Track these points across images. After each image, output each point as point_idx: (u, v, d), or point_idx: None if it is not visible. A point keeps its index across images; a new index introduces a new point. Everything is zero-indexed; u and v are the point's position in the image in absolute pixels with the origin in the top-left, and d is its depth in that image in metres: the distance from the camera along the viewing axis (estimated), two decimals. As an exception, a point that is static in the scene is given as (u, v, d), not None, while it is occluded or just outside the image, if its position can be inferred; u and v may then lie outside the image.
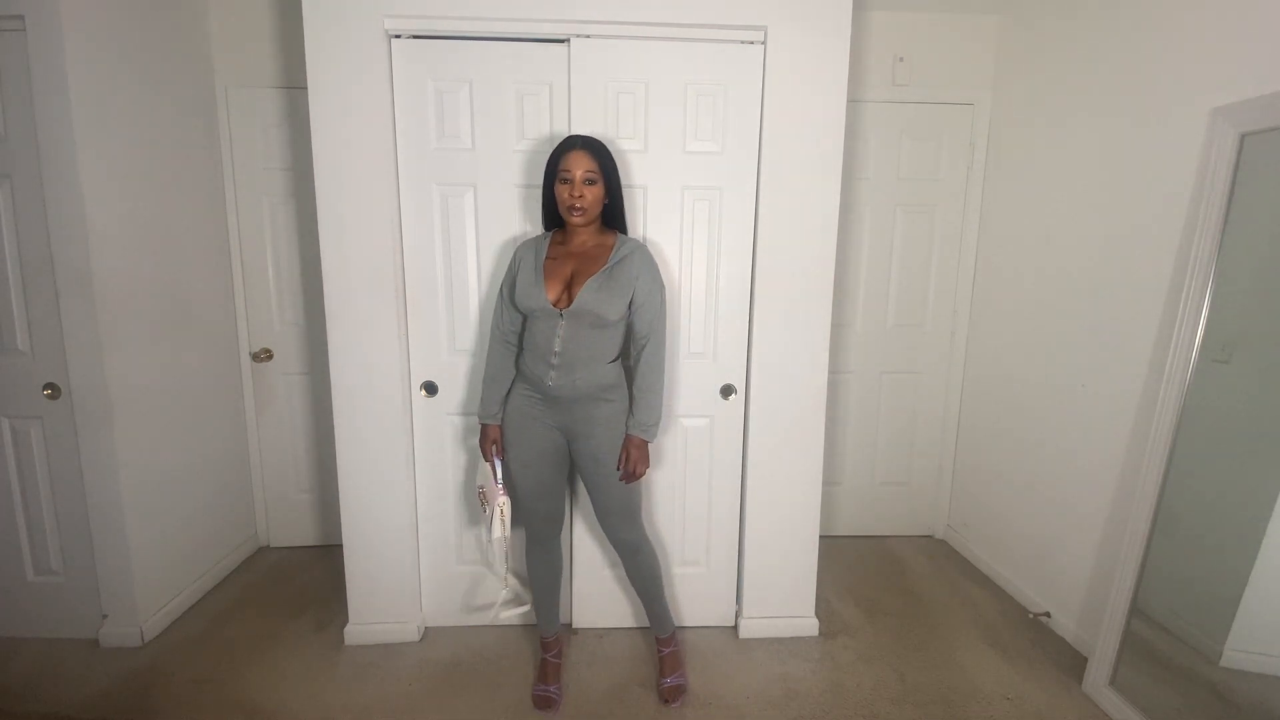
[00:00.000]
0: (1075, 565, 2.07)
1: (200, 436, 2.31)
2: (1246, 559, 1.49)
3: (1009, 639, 2.11)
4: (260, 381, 2.57)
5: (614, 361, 1.69)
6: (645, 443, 1.69)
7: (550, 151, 1.67)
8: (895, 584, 2.47)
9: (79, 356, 1.86)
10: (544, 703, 1.78)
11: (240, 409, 2.55)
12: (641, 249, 1.69)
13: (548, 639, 1.88)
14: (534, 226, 1.93)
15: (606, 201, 1.66)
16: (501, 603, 1.90)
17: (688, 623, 2.14)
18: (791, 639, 2.10)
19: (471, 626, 2.13)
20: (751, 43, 1.85)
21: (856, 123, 2.52)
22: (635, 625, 2.14)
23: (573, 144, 1.62)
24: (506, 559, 1.89)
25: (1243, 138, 1.54)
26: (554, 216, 1.72)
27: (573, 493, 2.04)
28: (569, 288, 1.63)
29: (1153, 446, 1.70)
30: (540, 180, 1.84)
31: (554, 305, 1.61)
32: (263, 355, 2.54)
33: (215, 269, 2.39)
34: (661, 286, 1.71)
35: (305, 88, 1.81)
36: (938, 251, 2.69)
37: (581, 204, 1.60)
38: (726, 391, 2.00)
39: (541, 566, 1.84)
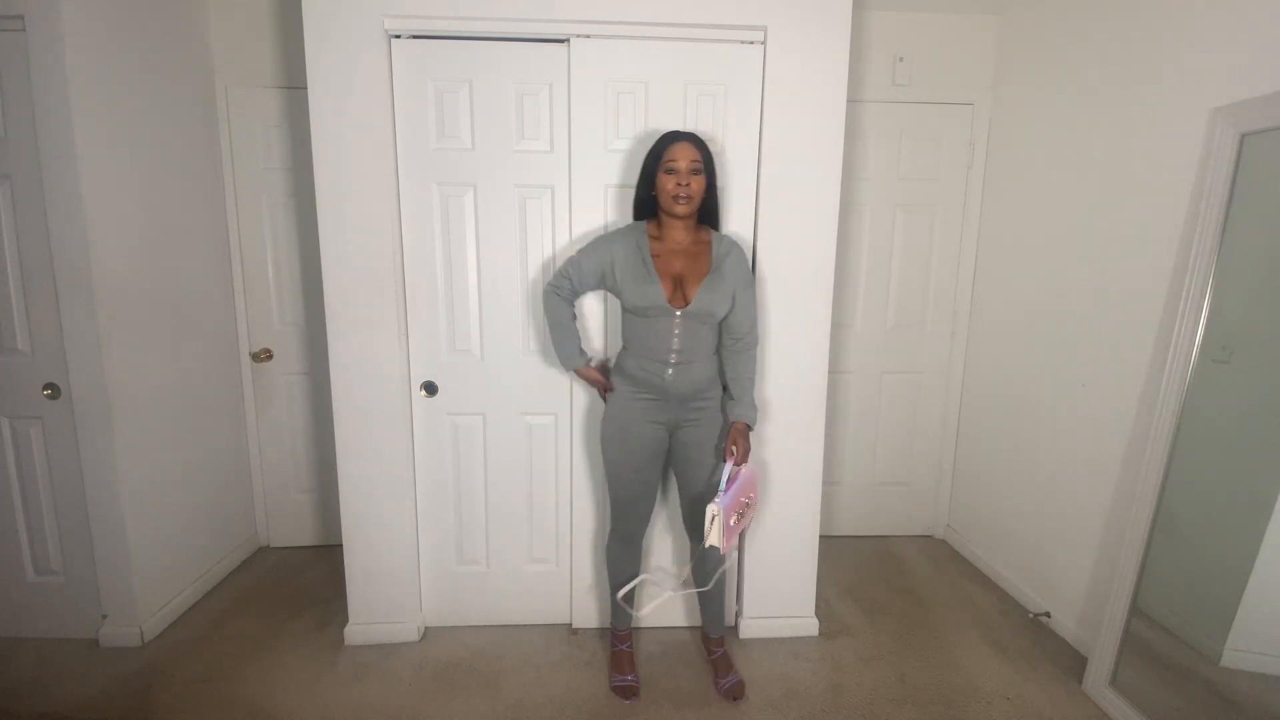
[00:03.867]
0: (1075, 565, 2.07)
1: (200, 436, 2.31)
2: (1246, 559, 1.49)
3: (1009, 639, 2.11)
4: (260, 381, 2.57)
5: (715, 354, 1.76)
6: (749, 427, 1.74)
7: (648, 148, 1.66)
8: (895, 584, 2.47)
9: (79, 356, 1.86)
10: (627, 692, 1.82)
11: (240, 409, 2.55)
12: (737, 247, 1.73)
13: (620, 632, 1.92)
14: (533, 226, 1.93)
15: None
16: (681, 583, 1.98)
17: (688, 622, 2.14)
18: (791, 639, 2.10)
19: (471, 626, 2.13)
20: (751, 43, 1.84)
21: (856, 123, 2.52)
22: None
23: (677, 136, 1.62)
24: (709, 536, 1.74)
25: (1243, 138, 1.54)
26: (644, 208, 1.72)
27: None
28: (681, 287, 1.66)
29: (1153, 446, 1.70)
30: (532, 179, 1.89)
31: (669, 304, 1.64)
32: (263, 355, 2.54)
33: (215, 269, 2.39)
34: (754, 282, 1.84)
35: (305, 88, 1.81)
36: (938, 251, 2.69)
37: (688, 193, 1.60)
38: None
39: (624, 561, 1.87)
